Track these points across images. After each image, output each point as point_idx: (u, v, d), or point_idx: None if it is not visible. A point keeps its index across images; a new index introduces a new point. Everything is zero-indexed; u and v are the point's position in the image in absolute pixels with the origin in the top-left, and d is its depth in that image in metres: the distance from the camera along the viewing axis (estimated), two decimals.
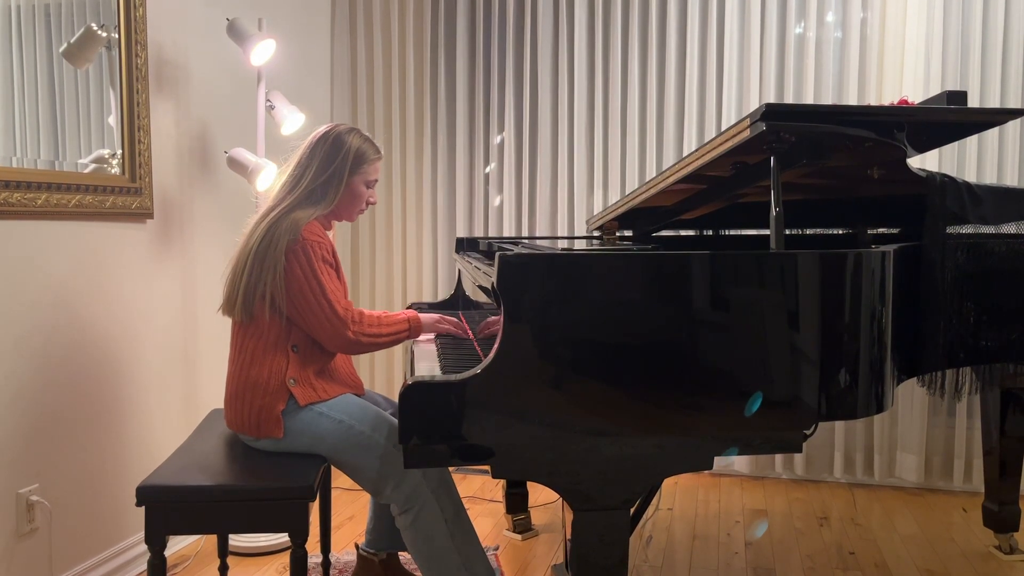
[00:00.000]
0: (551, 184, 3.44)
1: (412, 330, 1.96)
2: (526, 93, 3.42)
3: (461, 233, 3.52)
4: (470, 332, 2.14)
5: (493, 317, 2.06)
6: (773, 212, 1.52)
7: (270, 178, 2.57)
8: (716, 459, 1.49)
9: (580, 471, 1.42)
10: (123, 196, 2.31)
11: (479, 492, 3.11)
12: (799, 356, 1.43)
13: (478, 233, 3.51)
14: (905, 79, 3.01)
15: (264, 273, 1.80)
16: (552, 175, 3.44)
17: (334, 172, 1.92)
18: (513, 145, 3.46)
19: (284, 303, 1.82)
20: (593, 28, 3.34)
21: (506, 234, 3.48)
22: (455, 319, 2.13)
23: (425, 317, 2.03)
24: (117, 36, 2.29)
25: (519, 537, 2.67)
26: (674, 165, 1.82)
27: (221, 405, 2.65)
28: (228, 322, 1.92)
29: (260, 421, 1.83)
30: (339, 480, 3.04)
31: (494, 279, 1.38)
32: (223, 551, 2.20)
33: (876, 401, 1.52)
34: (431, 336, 2.15)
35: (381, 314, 1.93)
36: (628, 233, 2.84)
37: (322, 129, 1.97)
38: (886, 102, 2.98)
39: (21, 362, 2.01)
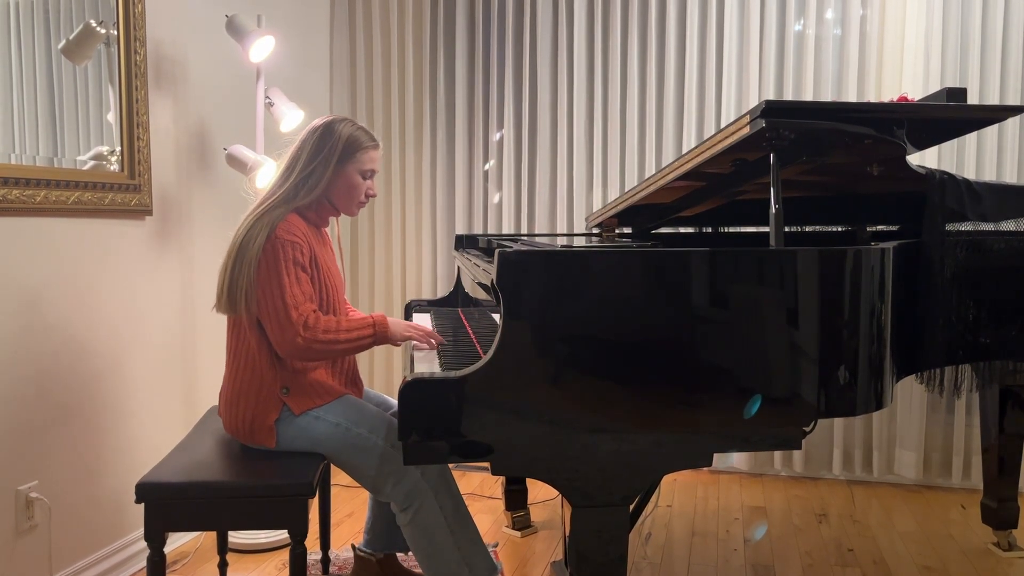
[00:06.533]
0: (550, 181, 3.44)
1: (377, 335, 1.83)
2: (525, 89, 3.42)
3: (460, 230, 3.52)
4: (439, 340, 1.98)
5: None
6: (772, 209, 1.52)
7: (269, 175, 2.57)
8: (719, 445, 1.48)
9: (579, 468, 1.42)
10: (122, 193, 2.31)
11: (478, 489, 3.11)
12: (798, 353, 1.43)
13: (477, 230, 3.51)
14: (904, 76, 3.01)
15: (243, 268, 1.77)
16: (551, 172, 3.44)
17: (323, 160, 1.87)
18: (512, 142, 3.45)
19: (253, 304, 1.77)
20: (593, 24, 3.33)
21: (505, 231, 3.48)
22: (426, 329, 1.96)
23: (394, 323, 1.88)
24: (116, 33, 2.29)
25: (518, 534, 2.67)
26: (674, 162, 1.82)
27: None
28: (226, 319, 1.92)
29: (253, 430, 1.83)
30: (338, 477, 3.04)
31: (494, 276, 1.38)
32: (223, 548, 2.21)
33: (875, 398, 1.52)
34: None
35: (343, 319, 1.82)
36: (627, 230, 2.84)
37: (315, 121, 1.94)
38: (885, 99, 2.98)
39: (20, 358, 2.01)
